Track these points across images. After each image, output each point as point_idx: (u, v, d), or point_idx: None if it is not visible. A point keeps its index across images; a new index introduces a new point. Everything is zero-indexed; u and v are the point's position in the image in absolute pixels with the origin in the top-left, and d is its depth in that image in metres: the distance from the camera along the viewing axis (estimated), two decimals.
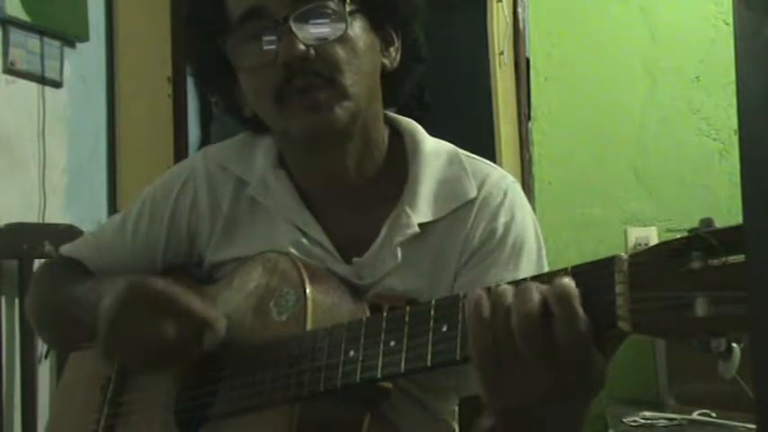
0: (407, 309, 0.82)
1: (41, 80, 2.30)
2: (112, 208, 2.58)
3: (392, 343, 0.81)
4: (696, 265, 0.64)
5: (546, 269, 1.04)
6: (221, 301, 1.05)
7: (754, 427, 0.47)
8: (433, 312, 0.79)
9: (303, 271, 0.95)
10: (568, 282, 0.69)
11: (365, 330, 0.85)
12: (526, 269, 1.01)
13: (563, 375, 0.71)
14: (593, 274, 0.70)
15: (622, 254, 0.69)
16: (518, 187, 1.09)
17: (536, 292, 0.70)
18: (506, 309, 0.71)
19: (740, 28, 0.46)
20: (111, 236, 1.19)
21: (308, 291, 0.93)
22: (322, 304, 0.94)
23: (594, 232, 2.45)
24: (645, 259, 0.67)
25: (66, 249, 1.23)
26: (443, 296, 0.99)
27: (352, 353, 0.85)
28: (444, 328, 0.78)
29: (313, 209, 1.07)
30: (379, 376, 0.82)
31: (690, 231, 0.65)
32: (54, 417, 1.26)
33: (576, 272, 0.71)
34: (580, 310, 0.69)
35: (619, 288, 0.67)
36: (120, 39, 2.63)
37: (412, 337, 0.80)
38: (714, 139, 2.45)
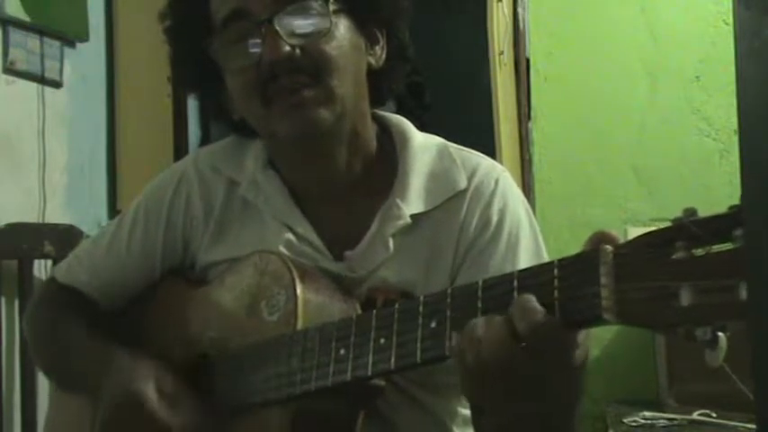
0: (396, 306, 0.82)
1: (41, 80, 2.29)
2: (112, 208, 2.57)
3: (382, 340, 0.82)
4: (680, 254, 0.64)
5: (544, 252, 1.06)
6: (214, 301, 1.05)
7: (754, 427, 0.47)
8: (421, 308, 0.79)
9: (293, 270, 0.95)
10: (527, 298, 0.71)
11: (355, 328, 0.85)
12: (524, 256, 1.02)
13: (542, 387, 0.73)
14: (579, 267, 0.70)
15: (607, 246, 0.69)
16: (508, 176, 1.10)
17: (501, 323, 0.72)
18: (477, 340, 0.73)
19: (740, 28, 0.46)
20: (105, 252, 1.17)
21: (298, 290, 0.93)
22: (312, 303, 0.94)
23: None
24: (629, 250, 0.67)
25: (61, 274, 1.20)
26: (436, 290, 1.01)
27: (342, 351, 0.85)
28: (433, 324, 0.78)
29: (304, 207, 1.07)
30: (369, 374, 0.83)
31: (673, 221, 0.66)
32: (50, 422, 1.26)
33: (562, 264, 0.72)
34: (543, 318, 0.70)
35: (603, 280, 0.67)
36: (120, 39, 2.63)
37: (401, 334, 0.80)
38: (714, 139, 2.45)
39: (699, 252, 0.64)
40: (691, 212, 0.65)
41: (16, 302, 2.11)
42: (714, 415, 1.93)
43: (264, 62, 0.96)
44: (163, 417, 0.94)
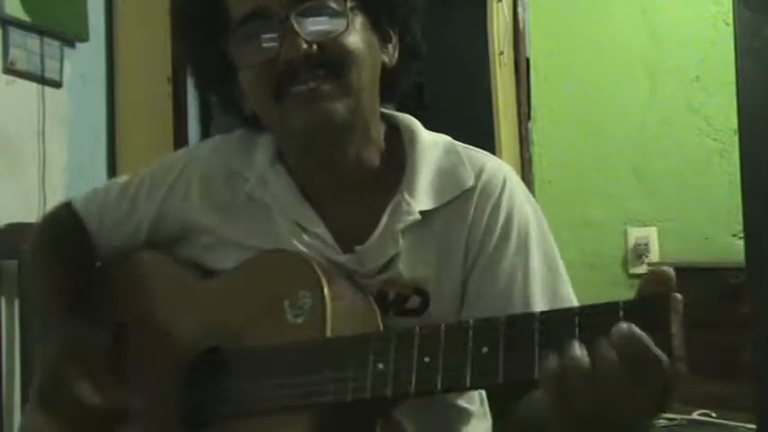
0: (442, 327, 0.82)
1: (41, 80, 2.29)
2: None
3: (426, 359, 0.81)
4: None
5: (553, 245, 1.06)
6: (227, 294, 1.05)
7: (754, 427, 0.47)
8: (471, 333, 0.79)
9: (320, 273, 0.95)
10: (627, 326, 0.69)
11: (395, 344, 0.84)
12: (536, 253, 1.03)
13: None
14: (648, 314, 0.70)
15: (677, 294, 0.69)
16: (515, 175, 1.11)
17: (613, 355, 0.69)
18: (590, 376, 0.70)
19: (740, 28, 0.46)
20: (113, 200, 1.20)
21: (326, 295, 0.93)
22: (340, 308, 0.94)
23: (594, 232, 2.45)
24: (698, 300, 0.68)
25: (78, 202, 1.24)
26: (452, 288, 1.02)
27: (381, 366, 0.84)
28: (485, 350, 0.78)
29: (313, 202, 1.08)
30: (412, 392, 0.82)
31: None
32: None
33: (629, 309, 0.71)
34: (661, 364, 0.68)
35: (674, 328, 0.67)
36: (120, 39, 2.63)
37: (449, 356, 0.80)
38: (714, 139, 2.45)
39: None
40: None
41: (16, 302, 2.10)
42: (714, 415, 1.93)
43: (281, 59, 0.97)
44: (85, 397, 0.96)
